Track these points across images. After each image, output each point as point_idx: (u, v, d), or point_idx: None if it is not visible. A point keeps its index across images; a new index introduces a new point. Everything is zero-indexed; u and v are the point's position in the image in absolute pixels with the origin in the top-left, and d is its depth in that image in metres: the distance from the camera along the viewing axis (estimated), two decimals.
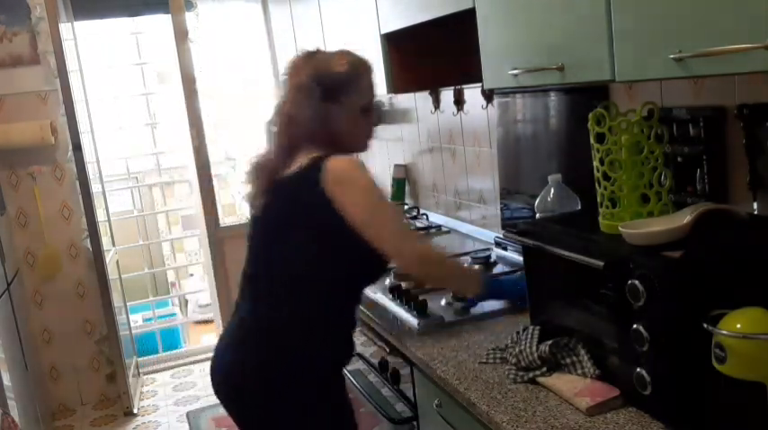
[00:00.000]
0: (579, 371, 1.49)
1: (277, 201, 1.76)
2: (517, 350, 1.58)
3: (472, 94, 2.68)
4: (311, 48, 1.84)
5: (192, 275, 5.96)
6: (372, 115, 1.79)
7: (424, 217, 3.22)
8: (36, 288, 4.07)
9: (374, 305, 2.18)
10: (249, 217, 1.89)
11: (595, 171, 1.53)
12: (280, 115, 1.78)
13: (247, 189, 1.84)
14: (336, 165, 1.67)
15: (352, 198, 1.65)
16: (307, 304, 1.75)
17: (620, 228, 1.39)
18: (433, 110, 3.01)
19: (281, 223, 1.76)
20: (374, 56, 2.41)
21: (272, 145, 1.79)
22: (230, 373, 1.79)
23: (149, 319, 5.06)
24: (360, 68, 1.76)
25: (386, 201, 1.74)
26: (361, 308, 2.18)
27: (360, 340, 2.32)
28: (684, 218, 1.32)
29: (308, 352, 1.74)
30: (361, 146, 1.84)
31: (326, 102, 1.71)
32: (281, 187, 1.75)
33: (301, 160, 1.72)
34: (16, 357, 3.30)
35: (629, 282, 1.28)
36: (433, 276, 1.84)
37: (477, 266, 2.34)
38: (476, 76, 1.83)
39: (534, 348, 1.55)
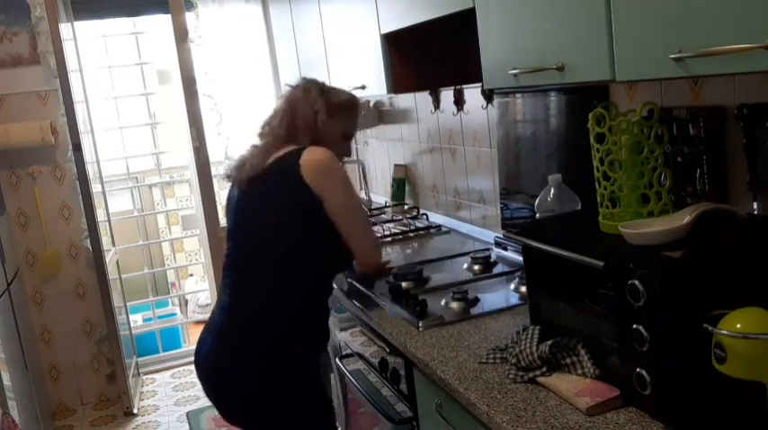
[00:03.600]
0: (579, 371, 1.49)
1: (261, 187, 1.95)
2: (517, 350, 1.58)
3: (472, 94, 2.68)
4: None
5: (191, 275, 5.96)
6: (348, 144, 2.11)
7: (424, 217, 3.22)
8: (36, 288, 4.07)
9: (374, 305, 2.18)
10: (229, 208, 2.07)
11: (595, 171, 1.53)
12: (284, 112, 2.03)
13: (232, 176, 2.04)
14: (314, 154, 1.90)
15: (331, 186, 1.88)
16: (283, 288, 1.91)
17: (620, 228, 1.39)
18: (433, 110, 3.02)
19: (263, 209, 1.96)
20: (374, 56, 2.42)
21: (268, 137, 2.02)
22: (213, 361, 1.96)
23: (149, 319, 5.06)
24: (356, 103, 2.10)
25: (358, 198, 1.96)
26: (361, 307, 2.19)
27: (360, 340, 2.32)
28: (684, 218, 1.32)
29: (284, 336, 1.92)
30: None
31: (326, 112, 2.00)
32: (265, 174, 1.95)
33: (282, 152, 1.96)
34: (16, 357, 3.30)
35: (629, 282, 1.28)
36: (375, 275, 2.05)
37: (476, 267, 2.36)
38: (476, 76, 1.83)
39: (534, 348, 1.55)
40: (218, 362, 1.95)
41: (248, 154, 2.01)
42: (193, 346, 2.09)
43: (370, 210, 3.54)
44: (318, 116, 1.98)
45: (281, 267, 1.92)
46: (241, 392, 1.93)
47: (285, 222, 1.92)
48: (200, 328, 2.11)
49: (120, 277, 4.46)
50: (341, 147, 2.06)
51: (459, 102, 2.80)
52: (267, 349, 1.91)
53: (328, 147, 1.95)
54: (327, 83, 2.14)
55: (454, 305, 2.05)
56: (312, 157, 1.88)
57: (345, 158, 2.15)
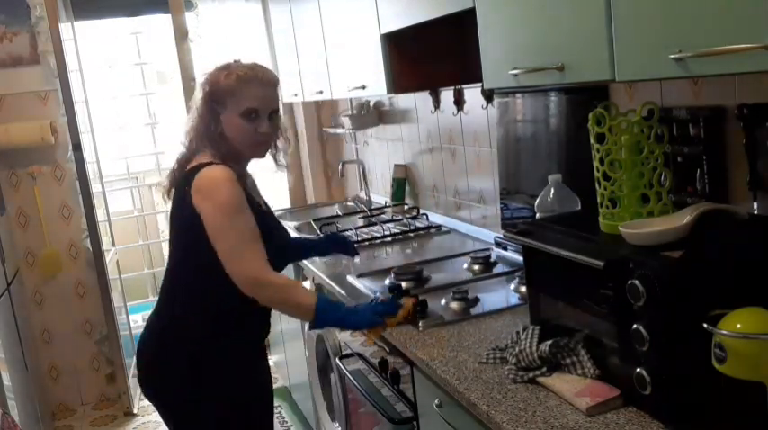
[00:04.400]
0: (579, 371, 1.49)
1: (173, 201, 1.97)
2: (517, 350, 1.58)
3: (472, 94, 2.68)
4: (230, 61, 2.04)
5: None
6: (257, 121, 1.93)
7: (424, 217, 3.22)
8: (36, 288, 4.07)
9: None
10: None
11: (595, 171, 1.53)
12: (189, 118, 2.00)
13: (164, 184, 2.04)
14: (204, 175, 1.85)
15: (207, 209, 1.84)
16: (186, 303, 1.97)
17: (620, 228, 1.39)
18: (433, 110, 3.02)
19: (172, 224, 2.00)
20: (374, 56, 2.42)
21: (184, 145, 1.99)
22: (138, 365, 2.07)
23: None
24: (243, 80, 1.93)
25: (237, 219, 1.84)
26: None
27: (360, 340, 2.32)
28: (684, 218, 1.32)
29: (188, 350, 1.96)
30: (249, 149, 1.98)
31: (215, 107, 1.92)
32: (176, 188, 1.95)
33: (190, 166, 1.92)
34: (16, 357, 3.30)
35: (629, 282, 1.28)
36: (264, 300, 1.88)
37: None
38: (476, 76, 1.83)
39: (534, 348, 1.55)
40: (141, 368, 2.07)
41: (175, 161, 2.01)
42: None
43: (370, 210, 3.54)
44: (204, 121, 1.92)
45: (177, 276, 2.00)
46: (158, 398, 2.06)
47: (180, 240, 1.97)
48: None
49: (120, 277, 4.46)
50: (247, 130, 1.92)
51: (459, 102, 2.80)
52: (169, 356, 1.99)
53: (234, 145, 1.93)
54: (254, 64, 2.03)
55: (454, 305, 2.05)
56: (199, 179, 1.85)
57: (284, 144, 2.09)
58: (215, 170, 1.86)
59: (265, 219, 2.00)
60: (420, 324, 1.93)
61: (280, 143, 2.09)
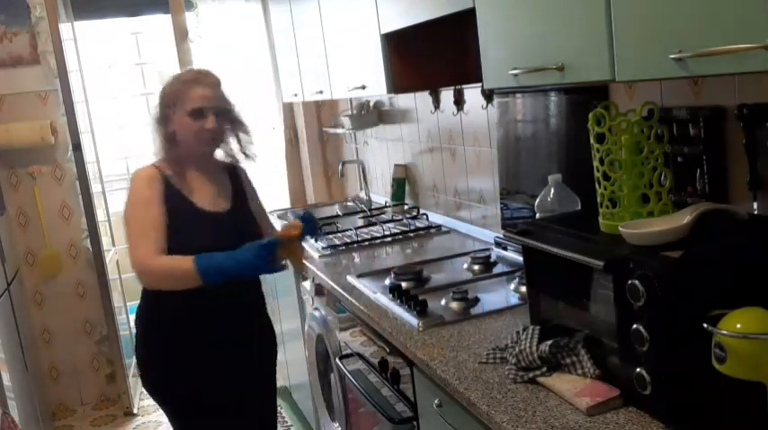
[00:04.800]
0: (579, 371, 1.49)
1: None
2: (517, 350, 1.58)
3: (472, 94, 2.68)
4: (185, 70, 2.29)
5: None
6: (202, 119, 2.09)
7: (424, 217, 3.22)
8: (36, 288, 4.07)
9: (374, 305, 2.18)
10: None
11: (595, 171, 1.53)
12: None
13: None
14: (135, 173, 2.15)
15: (125, 202, 2.10)
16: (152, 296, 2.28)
17: (620, 228, 1.39)
18: (433, 110, 3.02)
19: None
20: (374, 56, 2.42)
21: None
22: (137, 363, 2.40)
23: None
24: (186, 83, 2.13)
25: (137, 212, 2.06)
26: (361, 307, 2.19)
27: (360, 340, 2.32)
28: (684, 218, 1.32)
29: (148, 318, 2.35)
30: (198, 145, 2.14)
31: (166, 110, 2.13)
32: None
33: None
34: (16, 357, 3.30)
35: (629, 282, 1.28)
36: (156, 284, 2.09)
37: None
38: (476, 76, 1.83)
39: (534, 348, 1.55)
40: None
41: None
42: None
43: (370, 210, 3.54)
44: (158, 125, 2.15)
45: None
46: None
47: None
48: None
49: (120, 277, 4.45)
50: (195, 128, 2.10)
51: (459, 102, 2.80)
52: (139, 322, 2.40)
53: (183, 145, 2.12)
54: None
55: (454, 305, 2.05)
56: (131, 176, 2.16)
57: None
58: (142, 169, 2.14)
59: (196, 220, 2.10)
60: (420, 324, 1.93)
61: (242, 136, 2.23)
